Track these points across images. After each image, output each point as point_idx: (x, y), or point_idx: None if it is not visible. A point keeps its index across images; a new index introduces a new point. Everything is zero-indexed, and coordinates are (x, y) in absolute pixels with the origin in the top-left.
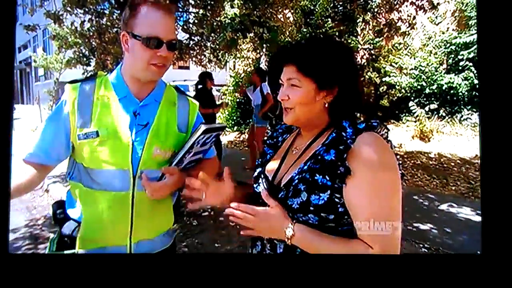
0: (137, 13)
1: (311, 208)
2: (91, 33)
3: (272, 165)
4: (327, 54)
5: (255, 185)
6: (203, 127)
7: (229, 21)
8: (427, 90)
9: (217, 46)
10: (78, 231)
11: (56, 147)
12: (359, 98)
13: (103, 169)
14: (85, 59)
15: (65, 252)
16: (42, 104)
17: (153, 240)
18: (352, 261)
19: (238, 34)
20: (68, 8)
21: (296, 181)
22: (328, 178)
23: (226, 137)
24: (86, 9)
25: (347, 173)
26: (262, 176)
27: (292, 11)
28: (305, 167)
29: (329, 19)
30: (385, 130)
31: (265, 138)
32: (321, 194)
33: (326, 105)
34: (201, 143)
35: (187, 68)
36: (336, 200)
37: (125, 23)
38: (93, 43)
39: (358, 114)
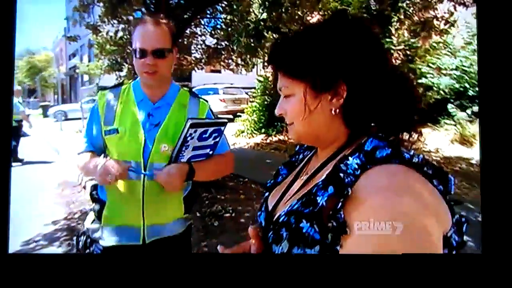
0: (133, 32)
1: None
2: (124, 41)
3: (277, 192)
4: (316, 42)
5: (257, 213)
6: (189, 122)
7: (243, 27)
8: (471, 92)
9: (242, 50)
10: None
11: (96, 140)
12: (390, 96)
13: (121, 160)
14: (117, 65)
15: (93, 225)
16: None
17: (164, 225)
18: (352, 260)
19: (252, 40)
20: (104, 19)
21: (280, 223)
22: (317, 229)
23: (253, 139)
24: (119, 19)
25: (342, 231)
26: (264, 205)
27: (321, 13)
28: (295, 207)
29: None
30: (433, 169)
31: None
32: (306, 250)
33: (334, 112)
34: (198, 138)
35: (219, 71)
36: None
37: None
38: (127, 50)
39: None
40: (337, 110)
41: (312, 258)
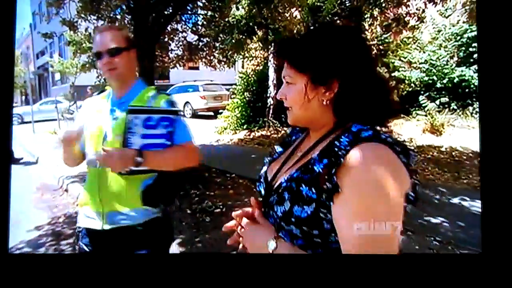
0: None
1: (293, 220)
2: None
3: (275, 166)
4: (319, 44)
5: (257, 184)
6: (128, 108)
7: (235, 23)
8: (438, 84)
9: (226, 47)
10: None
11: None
12: (372, 95)
13: (89, 151)
14: None
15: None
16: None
17: (121, 213)
18: (352, 260)
19: (244, 36)
20: (82, 15)
21: (282, 188)
22: (314, 191)
23: (236, 135)
24: (99, 15)
25: (335, 190)
26: (263, 176)
27: (299, 9)
28: (295, 175)
29: (337, 16)
30: (400, 147)
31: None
32: (304, 207)
33: (325, 103)
34: (143, 125)
35: (197, 68)
36: (322, 215)
37: None
38: None
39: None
40: (328, 102)
41: (306, 258)
